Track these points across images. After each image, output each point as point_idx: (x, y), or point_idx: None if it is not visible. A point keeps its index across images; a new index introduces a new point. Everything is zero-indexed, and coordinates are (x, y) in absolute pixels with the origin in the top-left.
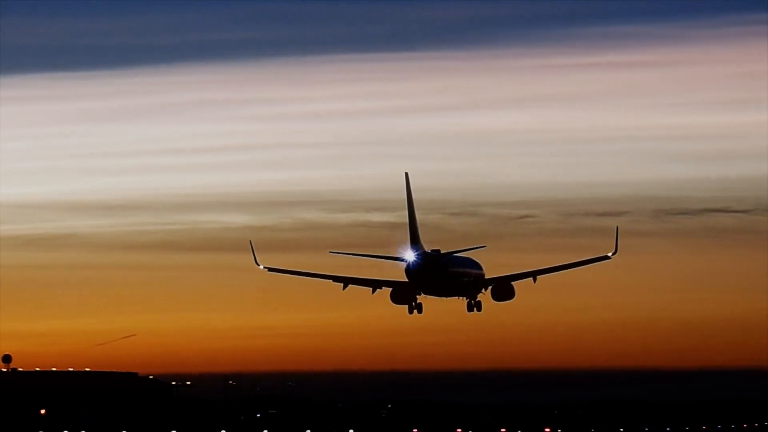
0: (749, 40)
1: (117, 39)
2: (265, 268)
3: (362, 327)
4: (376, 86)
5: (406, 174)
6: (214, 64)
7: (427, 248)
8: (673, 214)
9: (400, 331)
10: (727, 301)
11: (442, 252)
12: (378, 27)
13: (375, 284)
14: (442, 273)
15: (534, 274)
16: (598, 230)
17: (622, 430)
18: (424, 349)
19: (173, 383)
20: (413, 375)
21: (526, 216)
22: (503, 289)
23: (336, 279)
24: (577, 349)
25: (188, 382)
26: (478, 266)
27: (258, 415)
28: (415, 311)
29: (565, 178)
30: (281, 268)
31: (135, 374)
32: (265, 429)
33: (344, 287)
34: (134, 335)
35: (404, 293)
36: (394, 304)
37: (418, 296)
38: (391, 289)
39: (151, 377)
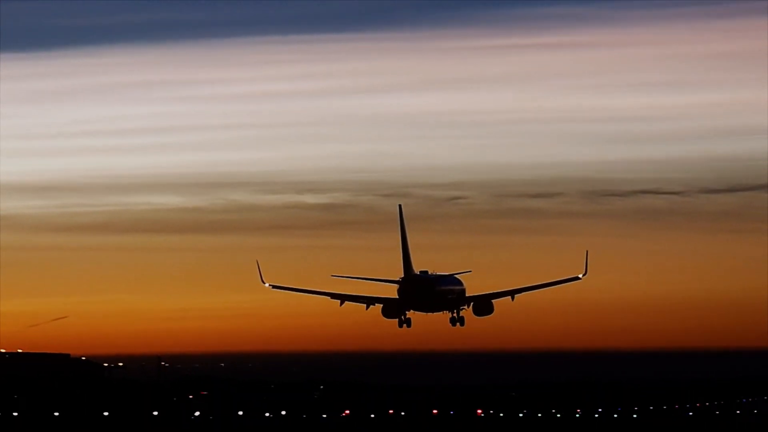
0: (680, 22)
1: (49, 21)
2: (270, 286)
3: (293, 309)
4: (307, 68)
5: (400, 206)
6: (147, 46)
7: (417, 270)
8: (604, 195)
9: (330, 313)
10: (659, 281)
11: (429, 273)
12: (307, 9)
13: (369, 301)
14: (431, 292)
15: (512, 293)
16: (530, 212)
17: (553, 410)
18: (354, 331)
19: (105, 365)
20: (344, 356)
21: (458, 197)
22: (483, 305)
23: (333, 296)
24: (509, 331)
25: (120, 364)
26: (460, 283)
27: (190, 397)
28: (405, 326)
29: (496, 159)
30: (285, 285)
31: (67, 356)
32: (197, 411)
33: (341, 304)
34: (66, 317)
35: (395, 309)
36: (385, 319)
37: (407, 312)
38: (382, 305)
39: (83, 359)
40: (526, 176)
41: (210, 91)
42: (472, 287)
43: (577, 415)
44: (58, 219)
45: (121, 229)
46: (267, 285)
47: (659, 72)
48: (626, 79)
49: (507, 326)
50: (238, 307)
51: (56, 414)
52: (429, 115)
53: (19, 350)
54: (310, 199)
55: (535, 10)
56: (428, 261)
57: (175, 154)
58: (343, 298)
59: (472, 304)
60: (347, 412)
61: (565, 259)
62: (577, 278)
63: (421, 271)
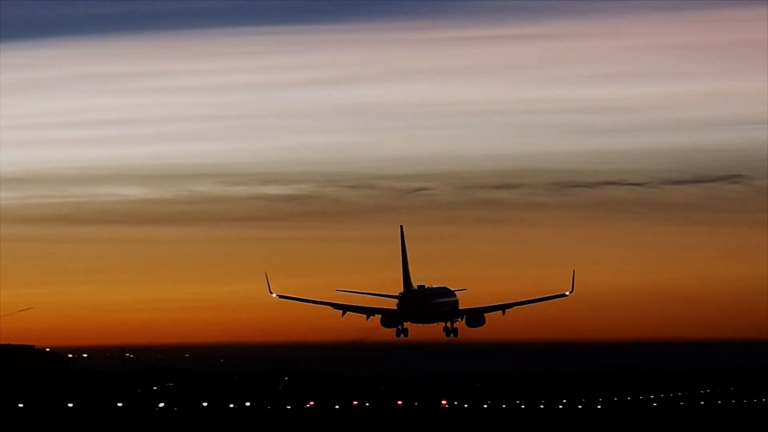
0: (645, 14)
1: (10, 12)
2: (277, 296)
3: (258, 300)
4: (271, 59)
5: (401, 227)
6: (110, 37)
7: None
8: (568, 186)
9: (296, 305)
10: (623, 273)
11: (426, 287)
12: (272, 1)
13: (369, 311)
14: (428, 305)
15: (503, 308)
16: (493, 202)
17: (518, 401)
18: (320, 322)
19: (70, 356)
20: (308, 347)
21: (422, 188)
22: (476, 318)
23: (336, 306)
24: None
25: (85, 355)
26: (453, 295)
27: (155, 388)
28: (402, 335)
29: (460, 150)
30: (292, 296)
31: (31, 347)
32: (162, 402)
33: (343, 314)
34: (31, 308)
35: (393, 320)
36: (384, 328)
37: (404, 323)
38: (381, 316)
39: (47, 350)
40: (490, 167)
41: (174, 83)
42: (461, 294)
43: (542, 406)
44: (22, 210)
45: (86, 220)
46: (274, 295)
47: (623, 63)
48: (590, 71)
49: None
50: (203, 298)
51: (20, 405)
52: (393, 107)
53: None
54: (274, 190)
55: (499, 2)
56: (396, 253)
57: (140, 146)
58: (345, 308)
59: (465, 316)
60: (312, 403)
61: (530, 251)
62: (564, 295)
63: (418, 286)
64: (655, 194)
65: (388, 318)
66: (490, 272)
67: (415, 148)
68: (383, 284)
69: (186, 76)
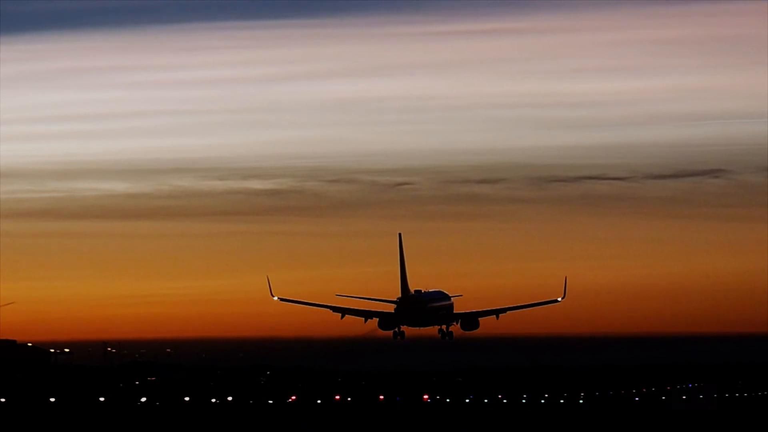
0: (623, 8)
1: None
2: (279, 299)
3: (240, 295)
4: (252, 54)
5: (399, 235)
6: (91, 32)
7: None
8: (550, 181)
9: (283, 303)
10: (604, 267)
11: (422, 291)
12: None
13: (367, 315)
14: (424, 309)
15: (497, 312)
16: (475, 197)
17: (500, 396)
18: (299, 317)
19: (52, 351)
20: (290, 342)
21: (404, 183)
22: (470, 322)
23: (335, 309)
24: None
25: (67, 350)
26: (448, 298)
27: (137, 383)
28: (399, 337)
29: (442, 145)
30: (292, 299)
31: (13, 342)
32: (144, 396)
33: (342, 317)
34: (13, 303)
35: (390, 323)
36: (382, 331)
37: (401, 326)
38: (378, 319)
39: (30, 344)
40: (471, 162)
41: (155, 78)
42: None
43: (524, 401)
44: (3, 205)
45: (67, 215)
46: (276, 298)
47: (605, 58)
48: (571, 65)
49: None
50: (185, 293)
51: (2, 400)
52: (375, 101)
53: None
54: (255, 185)
55: None
56: (383, 248)
57: (121, 140)
58: (344, 311)
59: (460, 320)
60: (294, 397)
61: (511, 245)
62: (556, 301)
63: (415, 291)
64: (637, 189)
65: (386, 321)
66: (471, 266)
67: (397, 142)
68: (367, 279)
69: (166, 71)
